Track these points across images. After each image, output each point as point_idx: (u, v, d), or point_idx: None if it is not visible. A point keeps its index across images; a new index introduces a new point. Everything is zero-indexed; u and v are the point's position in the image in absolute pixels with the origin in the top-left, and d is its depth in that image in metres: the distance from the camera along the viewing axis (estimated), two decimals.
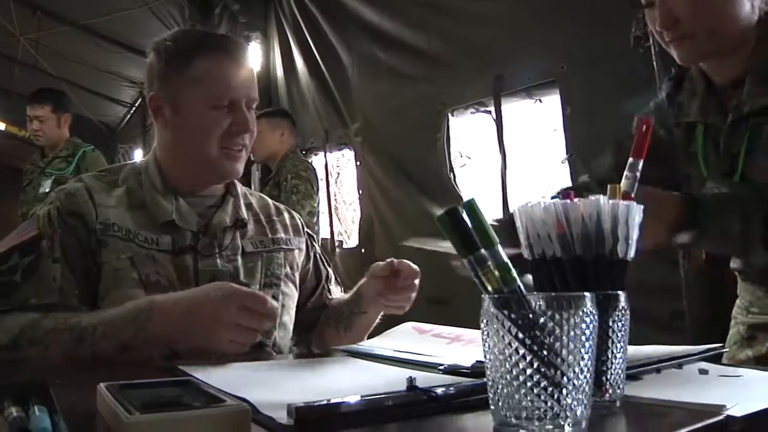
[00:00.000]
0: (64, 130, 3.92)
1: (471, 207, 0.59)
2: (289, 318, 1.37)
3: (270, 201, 1.50)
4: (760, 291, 1.32)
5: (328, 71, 4.13)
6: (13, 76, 6.51)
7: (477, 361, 0.91)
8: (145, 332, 1.03)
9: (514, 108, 3.01)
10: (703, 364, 1.00)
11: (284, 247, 1.40)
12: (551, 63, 2.72)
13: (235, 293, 1.04)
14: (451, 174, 3.25)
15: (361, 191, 3.89)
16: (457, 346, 1.12)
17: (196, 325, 1.02)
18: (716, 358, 1.06)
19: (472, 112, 3.20)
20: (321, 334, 1.44)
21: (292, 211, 1.51)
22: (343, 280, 1.61)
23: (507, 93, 2.94)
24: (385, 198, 3.66)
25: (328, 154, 4.23)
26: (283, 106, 4.44)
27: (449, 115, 3.26)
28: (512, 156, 2.98)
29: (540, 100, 2.93)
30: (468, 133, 3.32)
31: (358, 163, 3.89)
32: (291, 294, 1.38)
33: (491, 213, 2.85)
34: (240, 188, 1.42)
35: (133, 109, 7.10)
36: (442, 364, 0.96)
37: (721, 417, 0.68)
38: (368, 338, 1.36)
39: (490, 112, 3.07)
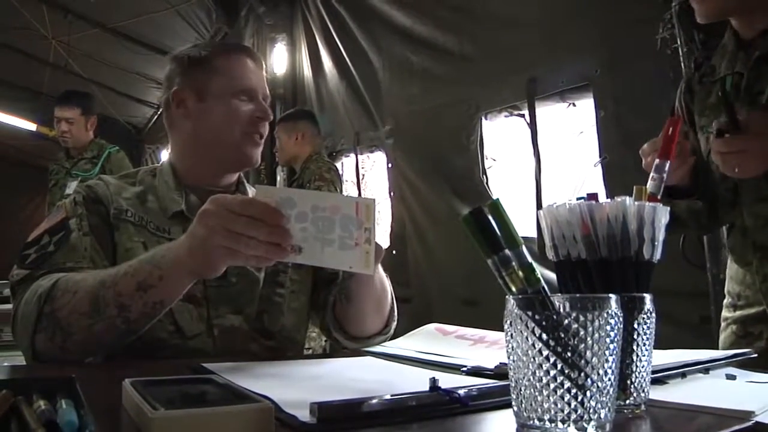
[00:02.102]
0: (91, 133, 3.99)
1: (495, 207, 0.59)
2: (300, 304, 1.37)
3: None
4: (748, 278, 1.37)
5: (358, 73, 4.14)
6: (44, 79, 6.64)
7: (500, 363, 0.90)
8: (160, 268, 1.02)
9: (547, 111, 2.99)
10: (731, 369, 0.99)
11: None
12: (585, 67, 2.70)
13: (215, 197, 0.97)
14: (484, 177, 3.23)
15: (392, 193, 3.88)
16: (481, 348, 1.12)
17: (195, 243, 0.98)
18: (744, 364, 1.04)
19: (505, 116, 3.19)
20: (333, 315, 1.37)
21: None
22: None
23: (540, 97, 2.92)
24: (417, 200, 3.65)
25: (359, 155, 4.23)
26: (312, 108, 4.46)
27: (482, 118, 3.25)
28: (546, 159, 2.96)
29: (574, 104, 2.91)
30: (500, 135, 3.29)
31: (389, 165, 3.89)
32: (302, 280, 1.38)
33: (525, 215, 2.84)
34: (249, 189, 1.44)
35: (160, 109, 7.18)
36: (465, 365, 0.96)
37: (749, 423, 0.67)
38: (392, 339, 1.35)
39: (523, 116, 3.06)
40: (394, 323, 1.36)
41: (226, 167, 1.37)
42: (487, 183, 3.23)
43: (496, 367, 0.91)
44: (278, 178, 4.93)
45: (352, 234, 0.93)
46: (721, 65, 1.42)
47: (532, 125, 2.95)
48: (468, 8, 3.28)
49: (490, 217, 0.59)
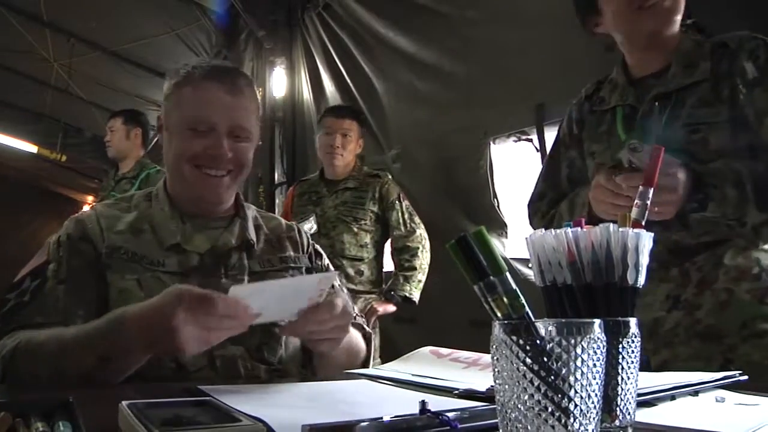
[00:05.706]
0: (134, 144, 3.85)
1: (480, 235, 0.61)
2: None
3: (282, 220, 1.50)
4: None
5: (361, 97, 4.14)
6: (46, 101, 6.69)
7: (492, 385, 0.92)
8: (118, 344, 1.03)
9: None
10: (720, 392, 1.00)
11: (292, 265, 1.39)
12: None
13: (180, 295, 0.99)
14: (495, 200, 3.24)
15: None
16: (474, 371, 1.13)
17: (159, 328, 0.99)
18: (733, 387, 1.05)
19: (514, 141, 3.19)
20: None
21: (301, 228, 1.51)
22: None
23: (549, 122, 2.90)
24: (425, 222, 3.55)
25: None
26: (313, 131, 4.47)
27: (491, 143, 3.26)
28: None
29: None
30: (510, 160, 3.26)
31: None
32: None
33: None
34: (250, 212, 1.43)
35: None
36: (457, 388, 0.97)
37: None
38: (386, 362, 1.36)
39: (531, 140, 3.07)
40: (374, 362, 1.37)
41: (192, 202, 1.35)
42: (498, 206, 3.23)
43: (487, 389, 0.93)
44: (277, 201, 4.93)
45: (309, 300, 1.10)
46: (611, 97, 1.57)
47: (542, 150, 2.95)
48: (474, 35, 3.30)
49: (474, 245, 0.61)
